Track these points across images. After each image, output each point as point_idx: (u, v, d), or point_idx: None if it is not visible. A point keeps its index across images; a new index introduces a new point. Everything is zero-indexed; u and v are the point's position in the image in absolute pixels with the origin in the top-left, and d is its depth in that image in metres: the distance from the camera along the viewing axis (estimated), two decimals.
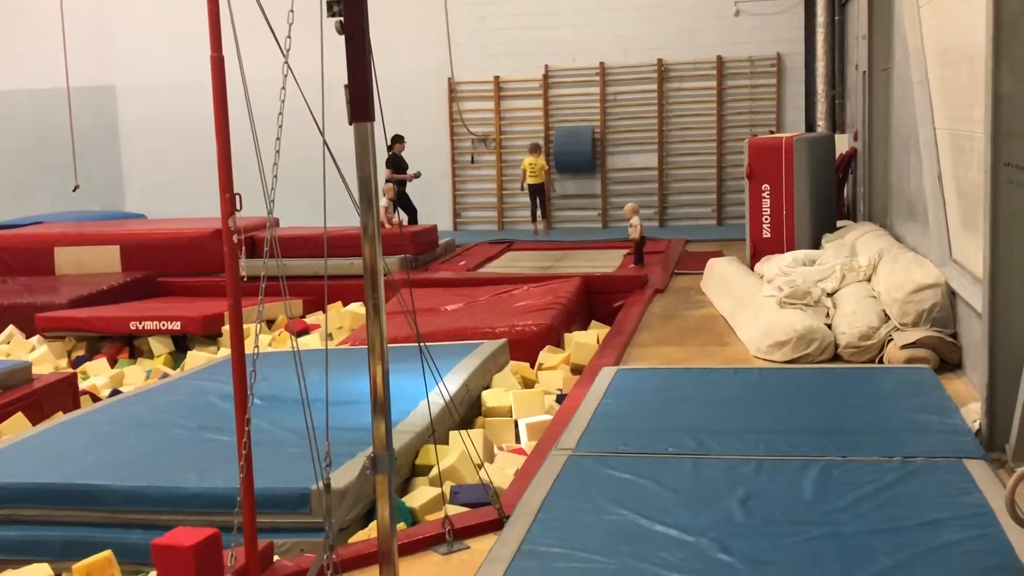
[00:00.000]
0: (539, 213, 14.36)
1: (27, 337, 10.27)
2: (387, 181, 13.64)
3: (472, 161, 16.86)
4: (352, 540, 4.49)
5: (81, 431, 5.94)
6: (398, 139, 14.19)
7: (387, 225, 12.18)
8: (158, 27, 17.14)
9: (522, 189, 14.83)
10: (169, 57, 17.00)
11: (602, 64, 16.13)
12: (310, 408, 3.33)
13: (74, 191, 16.04)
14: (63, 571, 4.58)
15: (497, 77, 16.50)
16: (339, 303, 10.83)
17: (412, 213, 14.53)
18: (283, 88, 3.29)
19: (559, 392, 7.39)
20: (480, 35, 16.38)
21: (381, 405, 3.44)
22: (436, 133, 16.66)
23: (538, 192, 14.25)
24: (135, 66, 17.37)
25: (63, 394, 7.72)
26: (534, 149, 14.39)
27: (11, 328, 10.36)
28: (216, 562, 3.69)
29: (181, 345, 10.28)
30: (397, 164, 14.35)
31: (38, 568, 4.50)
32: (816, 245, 9.90)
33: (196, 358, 9.27)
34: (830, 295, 7.81)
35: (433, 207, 16.16)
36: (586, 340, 8.56)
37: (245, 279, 3.52)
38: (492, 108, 16.62)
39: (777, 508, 4.12)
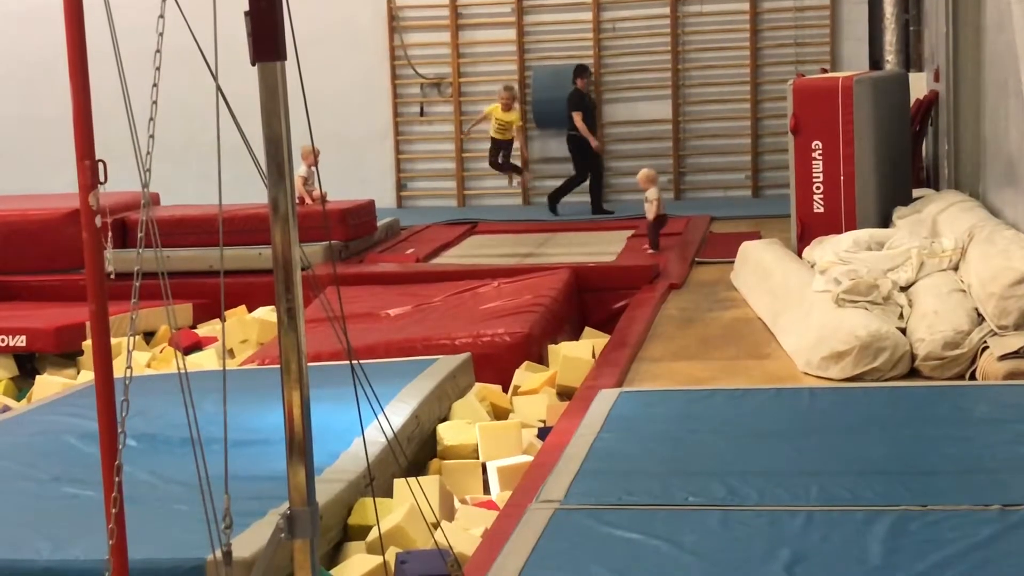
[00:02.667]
0: (501, 164, 14.22)
1: None
2: (570, 132, 14.17)
3: (422, 114, 16.88)
4: None
5: None
6: (582, 71, 14.54)
7: (307, 201, 12.18)
8: None
9: (466, 133, 14.91)
10: None
11: None
12: (203, 451, 3.33)
13: None
14: None
15: (454, 0, 16.52)
16: (242, 308, 10.80)
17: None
18: (160, 17, 3.29)
19: (541, 424, 7.40)
20: None
21: (300, 445, 3.44)
22: (371, 76, 16.66)
23: (504, 147, 14.10)
24: None
25: None
26: (508, 97, 14.07)
27: None
28: None
29: (27, 367, 10.24)
30: (582, 105, 14.60)
31: None
32: (885, 223, 9.97)
33: (48, 385, 9.23)
34: (904, 289, 7.87)
35: (369, 176, 16.16)
36: (578, 354, 8.57)
37: (113, 276, 3.50)
38: (448, 42, 16.65)
39: (834, 575, 4.15)
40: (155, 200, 12.47)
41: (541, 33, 16.52)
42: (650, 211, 11.66)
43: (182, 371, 3.47)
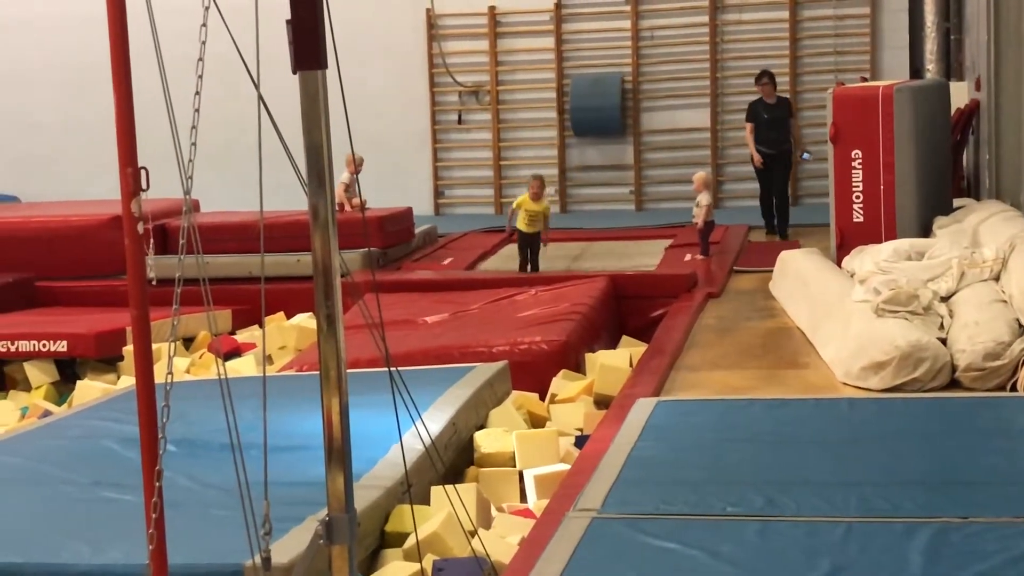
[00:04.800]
0: (529, 268, 12.00)
1: None
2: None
3: (460, 121, 16.91)
4: None
5: None
6: (764, 76, 13.30)
7: (347, 208, 12.21)
8: None
9: (508, 234, 12.62)
10: None
11: None
12: (243, 456, 3.34)
13: None
14: None
15: (492, 8, 16.55)
16: (281, 314, 10.85)
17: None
18: (203, 25, 3.31)
19: (579, 433, 7.39)
20: None
21: (338, 452, 3.46)
22: (410, 84, 16.72)
23: (532, 243, 11.93)
24: None
25: None
26: (537, 186, 11.86)
27: None
28: None
29: (68, 372, 10.30)
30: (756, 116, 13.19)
31: None
32: (926, 232, 9.92)
33: (88, 390, 9.28)
34: (945, 299, 7.83)
35: (407, 184, 16.20)
36: (615, 362, 8.56)
37: (154, 283, 3.53)
38: (486, 50, 16.68)
39: None
40: (194, 207, 12.57)
41: (579, 41, 16.54)
42: (700, 215, 11.68)
43: (222, 377, 3.49)
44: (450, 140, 17.02)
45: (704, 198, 11.72)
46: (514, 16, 16.60)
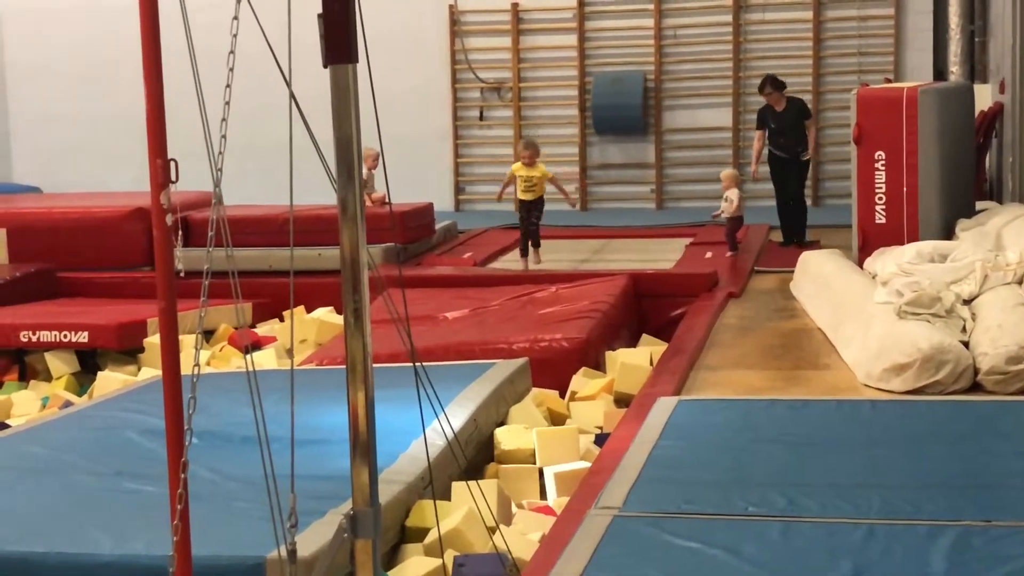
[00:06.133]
0: (530, 243, 11.84)
1: None
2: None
3: (481, 118, 16.93)
4: None
5: None
6: (765, 86, 12.58)
7: (368, 202, 12.22)
8: None
9: (498, 196, 12.57)
10: None
11: None
12: (269, 450, 3.36)
13: None
14: None
15: (515, 5, 16.55)
16: (301, 308, 10.88)
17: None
18: (235, 18, 3.32)
19: (599, 431, 7.40)
20: None
21: (364, 446, 3.46)
22: (432, 80, 16.74)
23: (534, 210, 11.70)
24: None
25: None
26: (529, 155, 11.57)
27: None
28: None
29: (89, 363, 10.31)
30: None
31: None
32: (948, 234, 9.90)
33: (109, 381, 9.31)
34: (967, 302, 7.80)
35: (428, 179, 16.22)
36: (635, 361, 8.56)
37: (182, 275, 3.54)
38: (508, 47, 16.68)
39: None
40: (211, 200, 12.63)
41: (602, 39, 16.53)
42: (728, 210, 11.73)
43: (249, 370, 3.50)
44: (471, 136, 17.03)
45: (734, 193, 11.76)
46: (537, 13, 16.59)
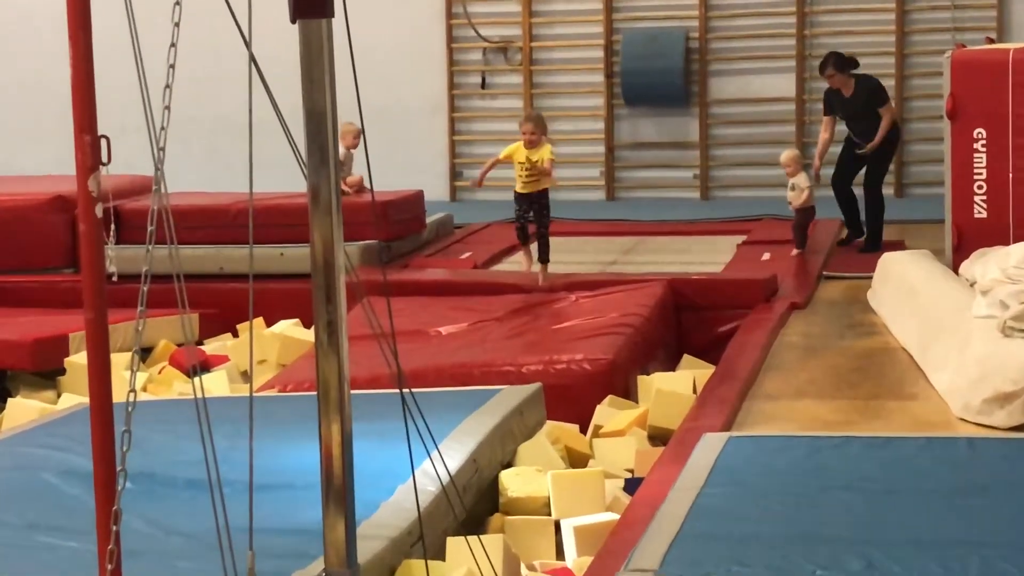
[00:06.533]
0: (532, 248, 11.32)
1: None
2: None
3: (483, 85, 16.95)
4: None
5: None
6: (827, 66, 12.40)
7: (344, 188, 12.21)
8: None
9: (476, 183, 12.08)
10: None
11: None
12: (222, 494, 3.37)
13: None
14: None
15: None
16: (259, 320, 10.88)
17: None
18: None
19: (629, 475, 7.40)
20: None
21: (339, 493, 3.49)
22: (422, 38, 16.79)
23: (535, 204, 11.12)
24: None
25: None
26: (531, 129, 10.93)
27: None
28: None
29: None
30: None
31: None
32: None
33: (21, 409, 9.33)
34: None
35: (417, 162, 16.23)
36: (675, 387, 8.56)
37: (114, 279, 3.55)
38: None
39: None
40: (150, 187, 12.63)
41: None
42: (798, 199, 11.78)
43: (198, 397, 3.51)
44: (471, 108, 17.06)
45: (803, 180, 11.81)
46: None
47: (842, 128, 12.64)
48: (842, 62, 12.34)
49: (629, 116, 16.62)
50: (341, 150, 12.08)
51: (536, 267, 11.32)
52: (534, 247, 11.43)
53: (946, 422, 7.24)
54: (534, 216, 11.09)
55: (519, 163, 10.92)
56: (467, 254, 12.84)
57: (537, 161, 10.80)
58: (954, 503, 5.67)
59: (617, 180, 16.67)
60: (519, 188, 11.05)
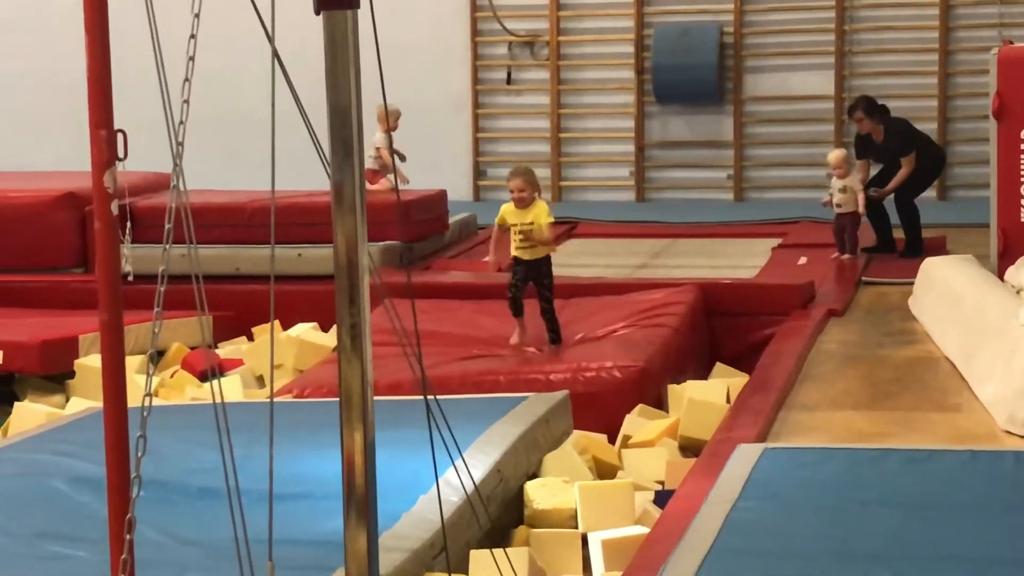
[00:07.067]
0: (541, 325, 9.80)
1: None
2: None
3: (509, 81, 16.96)
4: None
5: None
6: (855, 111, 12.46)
7: (369, 186, 12.07)
8: None
9: (495, 267, 10.48)
10: None
11: None
12: (240, 503, 3.37)
13: None
14: None
15: None
16: (276, 323, 10.91)
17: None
18: None
19: (659, 487, 7.40)
20: None
21: (361, 503, 3.49)
22: (447, 31, 16.81)
23: (534, 273, 9.71)
24: None
25: None
26: (520, 186, 9.59)
27: None
28: None
29: (3, 391, 10.36)
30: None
31: None
32: None
33: (29, 414, 9.36)
34: None
35: (440, 160, 16.23)
36: (707, 397, 8.56)
37: (130, 279, 3.57)
38: None
39: None
40: (166, 183, 12.63)
41: None
42: (850, 203, 11.75)
43: (216, 402, 3.52)
44: (496, 105, 17.08)
45: (856, 182, 11.81)
46: None
47: None
48: (872, 107, 12.36)
49: (660, 114, 16.63)
50: (379, 135, 12.05)
51: (529, 346, 9.70)
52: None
53: (991, 435, 7.21)
54: (535, 288, 9.67)
55: (512, 226, 9.62)
56: (490, 256, 12.82)
57: (532, 225, 9.48)
58: (999, 520, 5.66)
59: (647, 180, 16.67)
60: (516, 253, 9.68)
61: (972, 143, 15.29)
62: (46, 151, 16.36)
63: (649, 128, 16.67)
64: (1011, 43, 11.48)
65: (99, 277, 3.57)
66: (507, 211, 9.63)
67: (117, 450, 3.60)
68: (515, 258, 9.71)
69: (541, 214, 9.52)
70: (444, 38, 16.75)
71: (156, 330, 3.54)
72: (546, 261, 9.69)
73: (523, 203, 9.51)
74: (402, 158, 12.41)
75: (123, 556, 3.46)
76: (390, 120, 11.48)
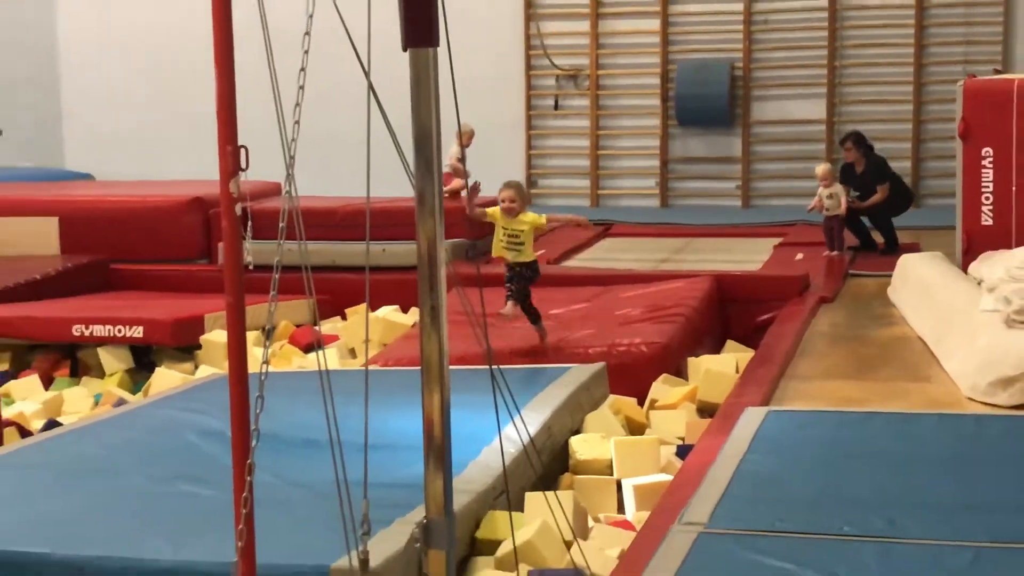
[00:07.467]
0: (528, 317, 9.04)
1: None
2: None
3: (556, 107, 16.93)
4: None
5: (6, 478, 6.08)
6: (846, 140, 12.33)
7: (452, 183, 11.88)
8: None
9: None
10: None
11: None
12: (341, 451, 3.38)
13: None
14: None
15: None
16: (363, 306, 10.94)
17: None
18: None
19: (681, 442, 7.38)
20: None
21: (439, 452, 3.50)
22: (506, 66, 16.76)
23: (516, 275, 8.83)
24: None
25: None
26: (511, 197, 8.76)
27: None
28: None
29: (143, 360, 10.41)
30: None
31: None
32: None
33: (165, 378, 9.40)
34: None
35: (498, 171, 16.16)
36: (720, 368, 8.53)
37: (251, 268, 3.58)
38: (586, 31, 16.68)
39: None
40: (275, 190, 12.66)
41: (687, 24, 16.48)
42: (836, 207, 11.67)
43: (321, 369, 3.52)
44: (545, 127, 17.05)
45: (840, 190, 11.72)
46: None
47: None
48: (860, 141, 12.26)
49: (681, 135, 16.56)
50: (455, 148, 11.97)
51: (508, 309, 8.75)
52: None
53: (956, 401, 7.16)
54: (514, 285, 8.77)
55: (502, 227, 8.75)
56: (541, 251, 12.79)
57: (521, 231, 8.68)
58: (964, 472, 5.63)
59: (670, 189, 16.61)
60: (498, 252, 8.88)
61: (941, 160, 15.16)
62: (183, 162, 16.41)
63: (671, 146, 16.60)
64: (974, 76, 11.38)
65: (225, 267, 3.58)
66: (495, 213, 8.75)
67: (239, 408, 3.61)
68: (508, 264, 8.82)
69: (531, 219, 8.77)
70: (503, 71, 16.72)
71: (272, 309, 3.56)
72: (530, 266, 8.81)
73: (512, 213, 8.72)
74: (465, 175, 12.31)
75: (244, 494, 3.48)
76: (464, 138, 11.42)
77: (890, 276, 10.28)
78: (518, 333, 9.46)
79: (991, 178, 9.96)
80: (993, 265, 8.74)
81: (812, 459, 5.84)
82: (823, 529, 4.87)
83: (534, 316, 9.04)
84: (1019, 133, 9.85)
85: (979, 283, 8.73)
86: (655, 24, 16.49)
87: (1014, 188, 9.91)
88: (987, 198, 9.98)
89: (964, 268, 9.70)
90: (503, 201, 8.75)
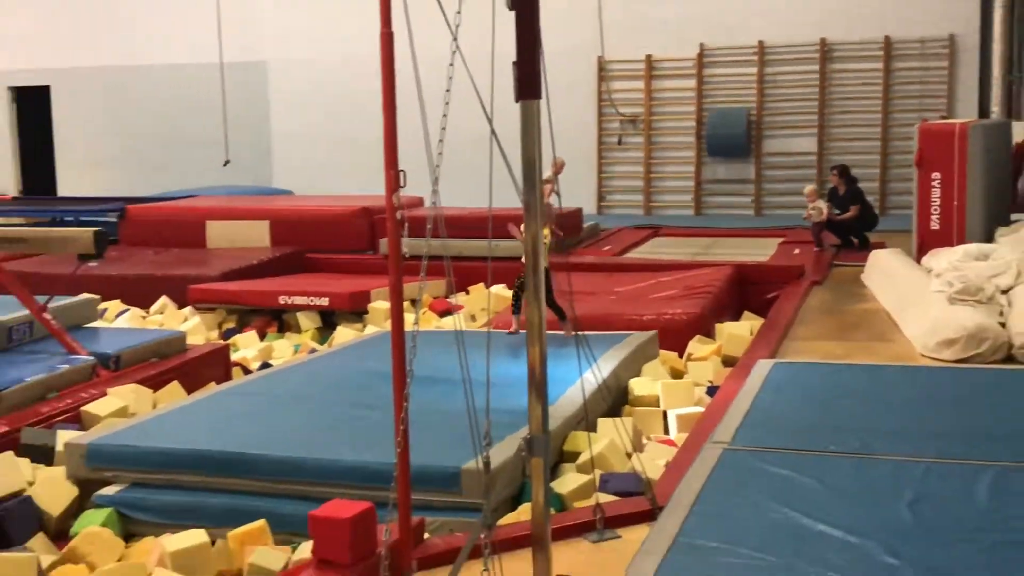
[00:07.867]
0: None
1: (179, 308, 10.70)
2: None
3: (619, 142, 16.81)
4: (500, 523, 4.57)
5: (236, 402, 6.21)
6: (834, 168, 12.04)
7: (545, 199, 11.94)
8: (307, 2, 17.65)
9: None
10: (319, 33, 17.49)
11: (761, 43, 15.85)
12: (471, 385, 3.41)
13: (224, 166, 16.67)
14: (218, 537, 4.81)
15: (649, 56, 16.39)
16: (480, 285, 10.97)
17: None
18: (451, 64, 3.36)
19: (710, 384, 7.34)
20: (633, 12, 16.27)
21: (539, 387, 3.50)
22: (583, 113, 16.66)
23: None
24: (285, 42, 17.92)
25: (215, 365, 8.06)
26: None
27: (164, 299, 10.82)
28: (370, 536, 3.82)
29: (328, 321, 10.49)
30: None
31: (195, 533, 4.73)
32: (988, 239, 9.52)
33: (343, 334, 9.52)
34: (1004, 292, 7.53)
35: (577, 190, 16.17)
36: (739, 331, 8.46)
37: (407, 257, 3.62)
38: (642, 88, 16.53)
39: (948, 513, 4.00)
40: (418, 202, 12.73)
41: (716, 82, 16.25)
42: (819, 216, 11.49)
43: (458, 328, 3.55)
44: (612, 157, 16.93)
45: (823, 204, 11.53)
46: (666, 62, 16.39)
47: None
48: (844, 172, 11.99)
49: (711, 163, 16.35)
50: (549, 173, 11.91)
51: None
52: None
53: (912, 357, 7.05)
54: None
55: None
56: (608, 247, 12.76)
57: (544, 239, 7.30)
58: (919, 408, 5.56)
59: (703, 203, 16.40)
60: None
61: (902, 181, 14.81)
62: (355, 183, 16.50)
63: (704, 171, 16.39)
64: (927, 121, 11.16)
65: (390, 256, 3.63)
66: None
67: (398, 355, 3.67)
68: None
69: (546, 232, 6.96)
70: (582, 116, 16.61)
71: (421, 287, 3.59)
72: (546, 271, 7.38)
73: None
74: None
75: (401, 415, 3.52)
76: (557, 166, 11.47)
77: (863, 265, 10.10)
78: (597, 304, 9.42)
79: (939, 195, 9.76)
80: (940, 258, 8.58)
81: (807, 398, 5.79)
82: (814, 447, 4.84)
83: (561, 313, 7.44)
84: (959, 162, 9.64)
85: (929, 271, 8.57)
86: (692, 83, 16.27)
87: (955, 203, 9.71)
88: (935, 210, 9.77)
89: (918, 260, 9.50)
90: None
